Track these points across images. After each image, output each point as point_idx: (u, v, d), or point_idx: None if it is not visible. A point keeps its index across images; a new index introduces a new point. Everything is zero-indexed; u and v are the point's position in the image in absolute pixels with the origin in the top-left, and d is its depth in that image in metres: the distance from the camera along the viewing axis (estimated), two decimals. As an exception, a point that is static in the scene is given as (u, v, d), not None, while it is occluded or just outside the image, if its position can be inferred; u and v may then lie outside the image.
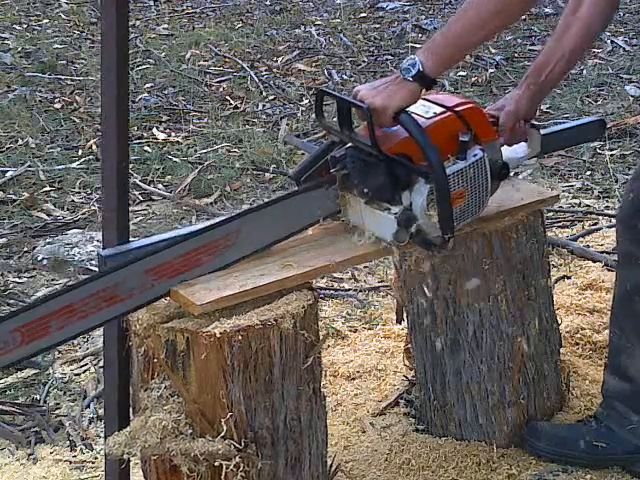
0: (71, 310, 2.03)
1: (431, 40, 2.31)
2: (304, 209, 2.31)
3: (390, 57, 6.32)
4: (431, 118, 2.32)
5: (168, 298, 2.16)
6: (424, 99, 2.35)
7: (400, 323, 2.85)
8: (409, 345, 2.81)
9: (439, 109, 2.34)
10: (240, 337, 2.05)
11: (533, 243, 2.62)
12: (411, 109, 2.28)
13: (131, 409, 2.28)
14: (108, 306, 2.08)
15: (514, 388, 2.68)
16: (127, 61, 2.15)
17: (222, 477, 2.10)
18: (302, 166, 2.38)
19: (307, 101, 5.66)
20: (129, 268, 2.09)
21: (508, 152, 2.52)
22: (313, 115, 5.38)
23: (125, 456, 2.12)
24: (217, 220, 2.24)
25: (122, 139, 2.18)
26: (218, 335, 2.04)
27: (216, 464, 2.10)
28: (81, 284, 2.06)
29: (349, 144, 2.33)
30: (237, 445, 2.09)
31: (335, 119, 2.35)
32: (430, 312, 2.65)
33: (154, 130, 5.28)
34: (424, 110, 2.33)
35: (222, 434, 2.09)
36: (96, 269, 3.76)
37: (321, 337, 2.24)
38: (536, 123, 2.62)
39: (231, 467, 2.09)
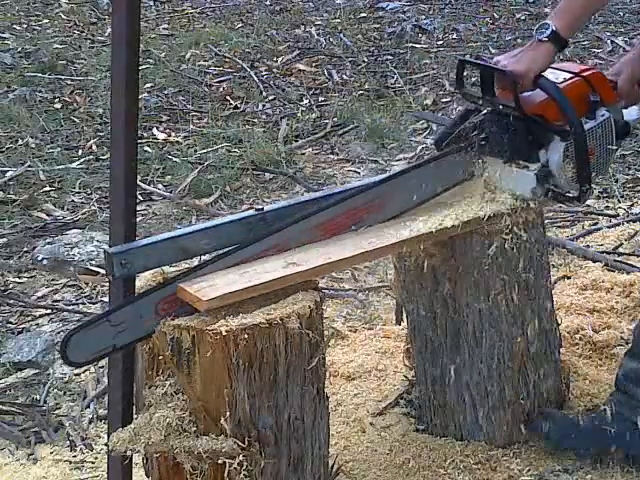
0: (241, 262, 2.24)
1: (558, 5, 2.52)
2: (446, 172, 2.55)
3: (390, 57, 6.31)
4: (562, 82, 2.53)
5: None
6: (551, 67, 2.54)
7: (400, 323, 2.85)
8: (409, 345, 2.82)
9: (567, 75, 2.57)
10: (246, 335, 2.06)
11: (533, 243, 2.63)
12: None
13: (134, 407, 2.28)
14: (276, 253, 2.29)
15: (514, 388, 2.68)
16: (137, 60, 2.16)
17: (225, 475, 2.11)
18: (442, 133, 2.61)
19: (307, 101, 5.66)
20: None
21: (624, 113, 2.68)
22: (312, 115, 5.43)
23: (128, 452, 2.13)
24: (365, 183, 2.51)
25: (131, 138, 2.19)
26: (224, 333, 2.05)
27: (219, 462, 2.11)
28: (255, 240, 2.26)
29: (485, 111, 2.54)
30: (241, 443, 2.10)
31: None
32: (430, 312, 2.66)
33: (154, 130, 5.27)
34: (554, 77, 2.54)
35: (226, 432, 2.10)
36: (96, 269, 3.77)
37: (325, 338, 2.25)
38: None
39: (234, 465, 2.10)
